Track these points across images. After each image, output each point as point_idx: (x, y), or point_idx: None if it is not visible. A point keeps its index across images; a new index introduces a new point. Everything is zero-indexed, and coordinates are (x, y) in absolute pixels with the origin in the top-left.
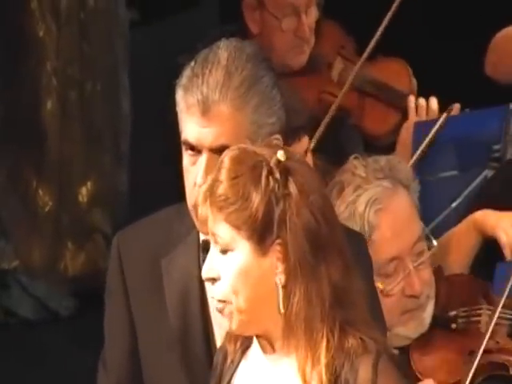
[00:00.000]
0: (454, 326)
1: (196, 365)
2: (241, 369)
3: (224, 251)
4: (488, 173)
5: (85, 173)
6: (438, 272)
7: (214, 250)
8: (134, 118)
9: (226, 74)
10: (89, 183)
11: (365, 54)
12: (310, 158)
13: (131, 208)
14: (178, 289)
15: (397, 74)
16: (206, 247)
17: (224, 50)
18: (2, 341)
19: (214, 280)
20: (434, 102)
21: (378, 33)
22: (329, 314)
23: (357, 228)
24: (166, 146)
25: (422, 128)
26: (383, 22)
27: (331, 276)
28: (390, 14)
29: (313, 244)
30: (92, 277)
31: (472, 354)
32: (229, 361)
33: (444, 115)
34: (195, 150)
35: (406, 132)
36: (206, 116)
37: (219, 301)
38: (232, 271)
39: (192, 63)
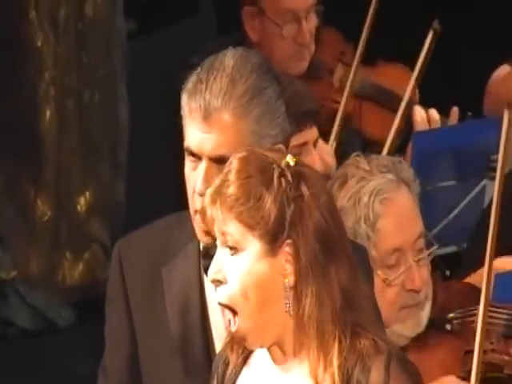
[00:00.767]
0: (448, 327)
1: (196, 372)
2: (243, 377)
3: (234, 251)
4: (486, 183)
5: (83, 182)
6: (435, 277)
7: (221, 252)
8: (131, 128)
9: (230, 82)
10: (87, 193)
11: (357, 56)
12: (321, 148)
13: (129, 218)
14: (179, 297)
15: (398, 78)
16: (206, 254)
17: (230, 57)
18: (0, 351)
19: (220, 282)
20: (434, 113)
21: (364, 35)
22: (340, 316)
23: (361, 217)
24: (171, 154)
25: (422, 138)
26: (368, 22)
27: (340, 277)
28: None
29: (323, 245)
30: (90, 286)
31: (468, 354)
32: (230, 369)
33: None
34: (196, 156)
35: None
36: (207, 121)
37: (225, 306)
38: (241, 272)
39: (198, 69)
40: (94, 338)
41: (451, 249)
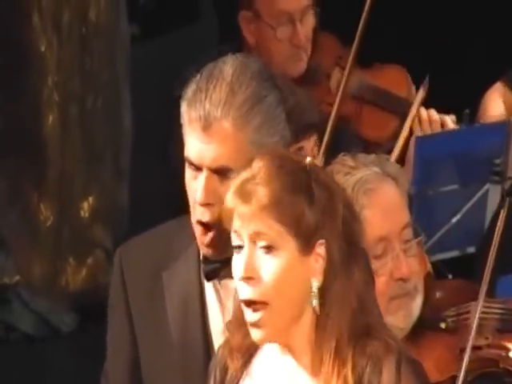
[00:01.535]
0: (442, 325)
1: (196, 377)
2: None
3: (269, 249)
4: (489, 187)
5: (86, 188)
6: (428, 277)
7: (251, 250)
8: (134, 133)
9: (230, 91)
10: (90, 198)
11: (351, 56)
12: (318, 157)
13: (132, 223)
14: (179, 302)
15: (395, 80)
16: (207, 259)
17: (230, 65)
18: (2, 356)
19: (252, 280)
20: (433, 114)
21: (358, 35)
22: (357, 315)
23: None
24: (171, 160)
25: (423, 142)
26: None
27: (360, 277)
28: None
29: (349, 245)
30: (93, 292)
31: (463, 351)
32: (229, 375)
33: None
34: (196, 166)
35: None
36: (207, 132)
37: (255, 302)
38: (277, 269)
39: (197, 76)
40: (96, 343)
41: (454, 253)
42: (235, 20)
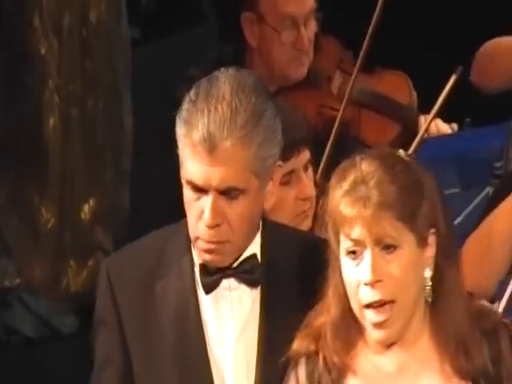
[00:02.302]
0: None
1: None
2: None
3: (392, 249)
4: (490, 190)
5: (87, 190)
6: None
7: (377, 253)
8: (135, 136)
9: (231, 111)
10: (91, 200)
11: (358, 64)
12: (310, 173)
13: (133, 225)
14: (174, 312)
15: (396, 86)
16: (204, 270)
17: (227, 84)
18: (4, 359)
19: (380, 282)
20: (438, 121)
21: (367, 41)
22: (467, 299)
23: None
24: (172, 162)
25: (425, 146)
26: (371, 30)
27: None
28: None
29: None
30: (94, 294)
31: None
32: (325, 377)
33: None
34: (200, 188)
35: None
36: (213, 155)
37: (383, 302)
38: (402, 267)
39: (192, 95)
40: None
41: None
42: (235, 22)
